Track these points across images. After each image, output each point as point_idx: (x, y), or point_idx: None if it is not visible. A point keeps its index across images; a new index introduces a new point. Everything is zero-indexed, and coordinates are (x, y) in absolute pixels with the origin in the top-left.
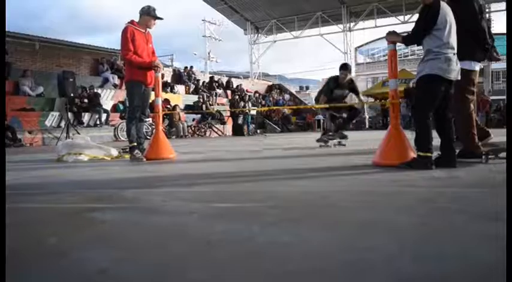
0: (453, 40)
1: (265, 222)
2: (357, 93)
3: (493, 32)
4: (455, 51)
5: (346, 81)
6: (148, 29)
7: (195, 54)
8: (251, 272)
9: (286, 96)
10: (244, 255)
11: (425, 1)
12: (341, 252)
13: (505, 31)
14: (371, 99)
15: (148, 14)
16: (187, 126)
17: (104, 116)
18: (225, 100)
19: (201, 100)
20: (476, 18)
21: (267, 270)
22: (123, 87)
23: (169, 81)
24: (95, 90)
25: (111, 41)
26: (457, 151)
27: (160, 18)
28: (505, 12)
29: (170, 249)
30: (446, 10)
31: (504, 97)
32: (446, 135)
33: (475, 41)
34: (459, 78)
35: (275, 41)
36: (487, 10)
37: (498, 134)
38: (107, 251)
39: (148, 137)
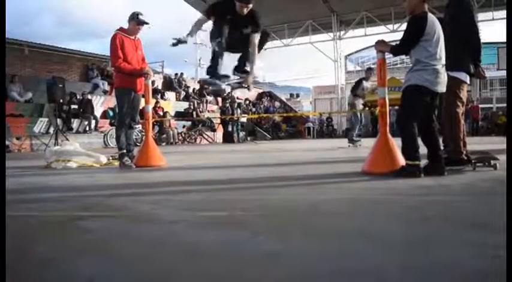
0: (441, 51)
1: (253, 231)
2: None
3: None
4: (443, 62)
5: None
6: (137, 36)
7: (185, 61)
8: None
9: (277, 104)
10: (232, 265)
11: (413, 12)
12: (329, 261)
13: (491, 40)
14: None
15: (134, 20)
16: (178, 133)
17: (93, 123)
18: (215, 107)
19: (192, 107)
20: (474, 31)
21: (255, 280)
22: (113, 93)
23: (159, 87)
24: (88, 97)
25: (102, 46)
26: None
27: (146, 23)
28: (496, 19)
29: (158, 259)
30: (433, 21)
31: (492, 105)
32: (432, 145)
33: (468, 53)
34: (444, 90)
35: (265, 49)
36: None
37: (487, 142)
38: (94, 261)
39: (138, 144)
